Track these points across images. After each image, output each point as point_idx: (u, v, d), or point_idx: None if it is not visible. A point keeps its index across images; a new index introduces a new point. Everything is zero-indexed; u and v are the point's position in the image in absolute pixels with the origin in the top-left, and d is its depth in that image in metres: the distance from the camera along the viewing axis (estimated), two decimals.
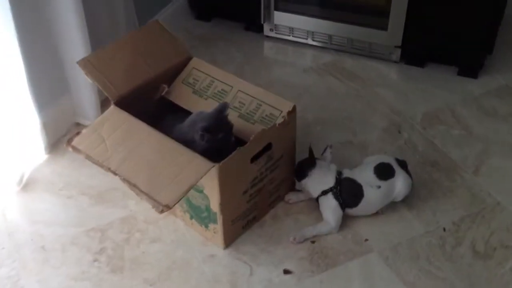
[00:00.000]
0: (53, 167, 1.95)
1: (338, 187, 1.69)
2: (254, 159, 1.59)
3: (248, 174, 1.60)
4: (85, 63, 1.70)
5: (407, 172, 1.76)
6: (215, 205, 1.57)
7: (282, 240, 1.70)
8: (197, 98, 1.76)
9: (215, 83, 1.77)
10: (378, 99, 2.25)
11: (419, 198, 1.82)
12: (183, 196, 1.42)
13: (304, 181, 1.73)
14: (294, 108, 1.65)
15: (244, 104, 1.70)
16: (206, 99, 1.75)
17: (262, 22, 2.53)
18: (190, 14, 2.74)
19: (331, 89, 2.32)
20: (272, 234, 1.72)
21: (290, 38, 2.56)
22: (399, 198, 1.75)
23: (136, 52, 1.77)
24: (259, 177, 1.64)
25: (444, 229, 1.72)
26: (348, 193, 1.69)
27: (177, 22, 2.65)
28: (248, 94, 1.72)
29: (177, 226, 1.74)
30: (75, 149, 1.57)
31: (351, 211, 1.72)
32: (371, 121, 2.14)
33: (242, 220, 1.68)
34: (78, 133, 1.61)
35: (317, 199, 1.73)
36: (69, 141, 1.60)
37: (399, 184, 1.72)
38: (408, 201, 1.80)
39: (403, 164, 1.77)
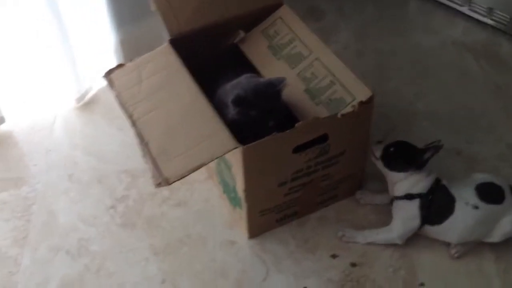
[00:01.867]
0: None
1: (430, 197, 1.32)
2: (300, 149, 1.28)
3: (289, 165, 1.30)
4: None
5: None
6: (240, 189, 1.31)
7: (317, 249, 1.40)
8: (269, 55, 1.46)
9: (295, 43, 1.44)
10: None
11: None
12: (188, 174, 1.17)
13: (398, 175, 1.35)
14: (371, 98, 1.28)
15: (316, 77, 1.37)
16: (278, 59, 1.44)
17: None
18: None
19: (466, 76, 1.85)
20: (309, 238, 1.42)
21: (444, 1, 2.08)
22: (497, 238, 1.34)
23: None
24: (305, 170, 1.33)
25: None
26: (437, 206, 1.32)
27: None
28: (325, 66, 1.37)
29: (211, 196, 1.51)
30: (111, 82, 1.39)
31: (430, 230, 1.35)
32: (500, 130, 1.67)
33: (276, 213, 1.39)
34: (121, 65, 1.42)
35: (391, 201, 1.38)
36: (109, 72, 1.41)
37: (507, 217, 1.31)
38: (499, 249, 1.37)
39: None
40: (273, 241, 1.41)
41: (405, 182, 1.35)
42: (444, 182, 1.35)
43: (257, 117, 1.27)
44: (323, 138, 1.29)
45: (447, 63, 1.90)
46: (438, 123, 1.68)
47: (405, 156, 1.33)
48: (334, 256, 1.38)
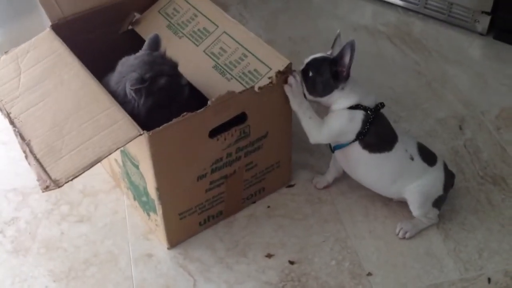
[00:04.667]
0: None
1: (373, 116, 1.16)
2: (216, 132, 1.10)
3: (206, 153, 1.12)
4: None
5: (449, 186, 1.25)
6: (152, 189, 1.10)
7: (250, 250, 1.21)
8: (170, 35, 1.28)
9: (198, 19, 1.28)
10: (444, 79, 1.67)
11: (463, 227, 1.27)
12: (83, 172, 0.96)
13: (332, 96, 1.16)
14: (288, 67, 1.13)
15: (225, 52, 1.20)
16: (180, 37, 1.27)
17: None
18: None
19: (383, 57, 1.76)
20: (239, 240, 1.23)
21: None
22: (418, 199, 1.21)
23: None
24: (225, 159, 1.15)
25: (489, 280, 1.17)
26: (378, 132, 1.17)
27: None
28: (234, 39, 1.21)
29: (119, 207, 1.30)
30: None
31: (354, 153, 1.20)
32: (425, 107, 1.57)
33: (198, 214, 1.20)
34: None
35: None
36: None
37: (431, 179, 1.21)
38: (445, 227, 1.26)
39: (451, 176, 1.27)
40: (197, 248, 1.22)
41: (345, 98, 1.17)
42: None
43: (168, 83, 1.09)
44: (242, 119, 1.12)
45: (362, 46, 1.80)
46: None
47: (327, 73, 1.14)
48: (269, 256, 1.21)
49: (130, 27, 1.34)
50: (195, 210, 1.19)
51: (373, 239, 1.24)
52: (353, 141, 1.17)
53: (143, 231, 1.25)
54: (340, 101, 1.17)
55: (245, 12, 1.93)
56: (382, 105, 1.19)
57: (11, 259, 1.20)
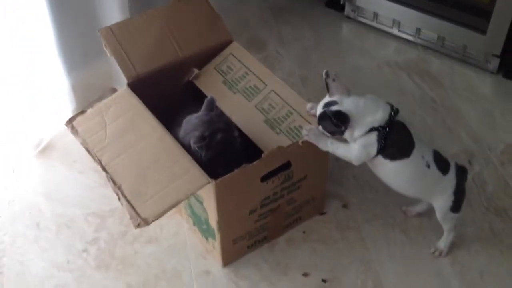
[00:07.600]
0: None
1: (387, 129, 1.28)
2: (266, 177, 1.35)
3: (257, 193, 1.37)
4: (107, 32, 1.52)
5: (462, 185, 1.38)
6: (213, 221, 1.36)
7: (289, 270, 1.47)
8: (225, 90, 1.53)
9: (249, 76, 1.53)
10: (457, 115, 1.89)
11: (469, 252, 1.50)
12: (165, 213, 1.22)
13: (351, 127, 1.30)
14: None
15: (274, 108, 1.45)
16: (234, 92, 1.52)
17: (342, 2, 2.21)
18: None
19: (402, 93, 1.99)
20: (280, 260, 1.49)
21: (374, 24, 2.23)
22: (436, 202, 1.39)
23: (167, 27, 1.56)
24: (272, 197, 1.41)
25: None
26: (396, 141, 1.29)
27: None
28: (281, 97, 1.46)
29: (180, 230, 1.56)
30: (74, 130, 1.42)
31: (379, 163, 1.34)
32: (438, 142, 1.80)
33: (247, 239, 1.46)
34: (82, 112, 1.45)
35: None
36: (71, 120, 1.44)
37: (444, 187, 1.36)
38: (453, 253, 1.49)
39: (463, 172, 1.39)
40: (246, 267, 1.47)
41: (358, 129, 1.30)
42: (400, 119, 1.31)
43: (223, 137, 1.35)
44: (287, 165, 1.38)
45: (385, 82, 2.03)
46: None
47: (331, 125, 1.29)
48: (305, 275, 1.46)
49: (190, 78, 1.59)
50: (245, 236, 1.44)
51: (392, 262, 1.48)
52: (376, 154, 1.31)
53: (201, 251, 1.51)
54: (356, 131, 1.30)
55: (281, 49, 2.16)
56: (396, 112, 1.29)
57: (95, 274, 1.46)
